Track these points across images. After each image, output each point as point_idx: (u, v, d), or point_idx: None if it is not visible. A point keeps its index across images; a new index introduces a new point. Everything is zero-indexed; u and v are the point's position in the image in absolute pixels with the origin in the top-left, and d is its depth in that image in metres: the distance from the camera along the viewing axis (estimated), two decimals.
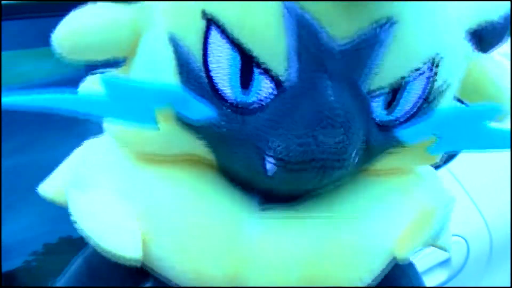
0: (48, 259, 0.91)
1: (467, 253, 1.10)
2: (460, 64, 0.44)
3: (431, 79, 0.42)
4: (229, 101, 0.40)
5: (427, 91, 0.43)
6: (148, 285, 0.48)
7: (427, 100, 0.43)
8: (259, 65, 0.39)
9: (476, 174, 1.11)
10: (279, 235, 0.44)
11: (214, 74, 0.39)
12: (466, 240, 1.09)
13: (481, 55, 0.45)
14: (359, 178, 0.47)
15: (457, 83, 0.45)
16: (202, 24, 0.39)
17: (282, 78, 0.39)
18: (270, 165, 0.41)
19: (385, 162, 0.46)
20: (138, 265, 0.43)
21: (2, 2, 0.79)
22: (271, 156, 0.40)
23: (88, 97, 0.41)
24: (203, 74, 0.39)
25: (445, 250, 0.54)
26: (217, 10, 0.38)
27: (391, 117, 0.43)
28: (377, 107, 0.42)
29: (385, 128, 0.43)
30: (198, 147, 0.43)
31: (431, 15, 0.41)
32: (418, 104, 0.43)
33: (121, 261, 0.42)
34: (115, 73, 0.44)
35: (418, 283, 0.54)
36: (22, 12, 0.84)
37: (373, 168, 0.47)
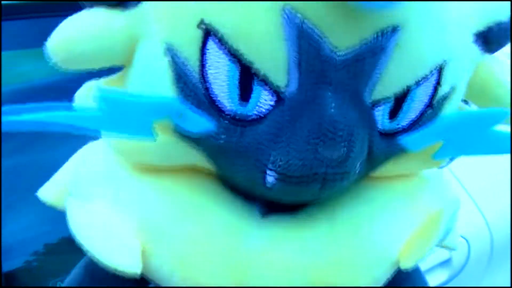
0: (48, 259, 0.91)
1: (468, 253, 1.10)
2: (467, 68, 0.43)
3: (437, 86, 0.41)
4: (227, 113, 0.39)
5: (432, 98, 0.41)
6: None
7: (432, 106, 0.42)
8: (258, 76, 0.37)
9: (477, 175, 1.11)
10: (280, 244, 0.44)
11: (212, 85, 0.38)
12: (467, 240, 1.09)
13: (488, 56, 0.44)
14: (362, 184, 0.46)
15: (463, 86, 0.44)
16: (199, 34, 0.37)
17: (282, 89, 0.38)
18: (270, 177, 0.40)
19: (389, 169, 0.45)
20: (137, 277, 0.42)
21: (2, 2, 0.79)
22: (271, 170, 0.39)
23: (83, 113, 0.40)
24: (201, 85, 0.38)
25: (451, 249, 0.53)
26: (214, 19, 0.37)
27: (395, 125, 0.42)
28: (381, 116, 0.41)
29: (389, 136, 0.42)
30: (197, 158, 0.43)
31: (437, 22, 0.40)
32: (423, 111, 0.42)
33: (121, 274, 0.42)
34: (109, 86, 0.43)
35: (423, 284, 0.53)
36: (22, 12, 0.84)
37: (376, 174, 0.46)
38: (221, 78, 0.38)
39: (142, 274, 0.43)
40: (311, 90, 0.38)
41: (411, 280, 0.51)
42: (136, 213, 0.43)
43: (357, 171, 0.41)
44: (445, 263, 1.07)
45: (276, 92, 0.38)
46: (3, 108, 0.37)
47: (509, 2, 0.43)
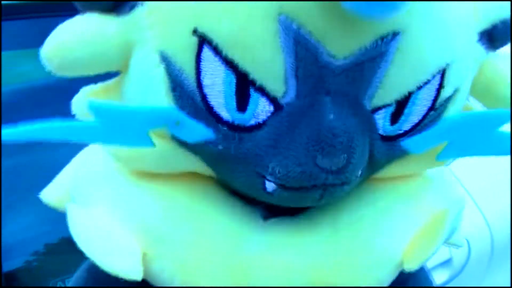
0: (49, 259, 0.91)
1: (469, 253, 1.10)
2: (471, 68, 0.43)
3: (440, 88, 0.40)
4: (224, 120, 0.38)
5: (435, 101, 0.41)
6: None
7: (435, 109, 0.41)
8: (255, 85, 0.37)
9: (477, 175, 1.11)
10: (282, 248, 0.43)
11: (208, 93, 0.37)
12: (467, 241, 1.09)
13: (493, 53, 0.44)
14: (364, 186, 0.46)
15: (467, 86, 0.43)
16: (193, 42, 0.37)
17: (279, 97, 0.37)
18: (270, 184, 0.40)
19: (392, 170, 0.45)
20: (139, 281, 0.42)
21: (2, 2, 0.79)
22: (270, 178, 0.39)
23: (79, 125, 0.39)
24: (198, 93, 0.38)
25: (457, 246, 0.53)
26: (208, 28, 0.36)
27: (396, 129, 0.41)
28: (382, 120, 0.40)
29: (391, 139, 0.41)
30: (196, 165, 0.42)
31: (440, 24, 0.39)
32: (425, 114, 0.41)
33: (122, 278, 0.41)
34: (100, 98, 0.43)
35: (429, 284, 0.53)
36: (22, 12, 0.84)
37: (379, 176, 0.46)
38: (218, 86, 0.37)
39: (143, 278, 0.43)
40: (309, 98, 0.37)
41: (415, 278, 0.51)
42: (136, 218, 0.43)
43: (358, 177, 0.41)
44: (446, 263, 1.07)
45: (273, 100, 0.37)
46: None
47: None
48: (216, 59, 0.36)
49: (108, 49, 0.39)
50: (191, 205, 0.44)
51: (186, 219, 0.43)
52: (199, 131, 0.39)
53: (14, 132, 0.36)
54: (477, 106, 0.47)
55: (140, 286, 0.46)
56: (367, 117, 0.39)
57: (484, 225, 1.12)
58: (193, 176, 0.44)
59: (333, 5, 0.34)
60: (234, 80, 0.37)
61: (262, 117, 0.38)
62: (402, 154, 0.43)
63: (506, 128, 0.42)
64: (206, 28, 0.36)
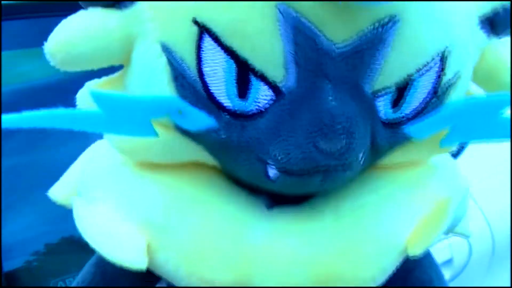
0: (49, 259, 0.91)
1: (469, 253, 1.10)
2: (473, 54, 0.43)
3: (440, 73, 0.41)
4: (226, 108, 0.39)
5: (436, 86, 0.41)
6: (160, 285, 0.48)
7: (437, 94, 0.42)
8: (255, 72, 0.37)
9: (478, 175, 1.11)
10: (286, 236, 0.44)
11: (209, 82, 0.38)
12: (468, 241, 1.09)
13: (495, 40, 0.44)
14: (368, 173, 0.46)
15: (469, 72, 0.44)
16: (194, 32, 0.37)
17: (280, 84, 0.38)
18: (272, 171, 0.40)
19: (396, 157, 0.45)
20: (144, 270, 0.42)
21: (2, 2, 0.79)
22: (273, 164, 0.39)
23: (83, 113, 0.40)
24: (199, 82, 0.38)
25: (465, 236, 0.52)
26: (208, 17, 0.37)
27: (398, 115, 0.41)
28: (383, 106, 0.40)
29: (393, 125, 0.42)
30: (199, 154, 0.43)
31: (438, 8, 0.39)
32: (427, 99, 0.41)
33: (127, 269, 0.42)
34: (102, 88, 0.43)
35: (435, 274, 0.52)
36: (22, 12, 0.84)
37: (383, 163, 0.46)
38: (218, 75, 0.38)
39: (150, 270, 0.43)
40: (310, 84, 0.38)
41: (422, 267, 0.51)
42: (140, 209, 0.43)
43: (360, 162, 0.41)
44: (447, 263, 1.07)
45: (274, 87, 0.38)
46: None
47: None
48: (216, 47, 0.37)
49: (111, 43, 0.39)
50: (195, 195, 0.44)
51: (190, 209, 0.43)
52: (201, 120, 0.39)
53: (17, 119, 0.37)
54: (479, 93, 0.46)
55: (146, 279, 0.46)
56: (367, 101, 0.39)
57: (485, 225, 1.12)
58: (197, 166, 0.45)
59: None
60: (235, 68, 0.37)
61: (263, 103, 0.39)
62: (404, 140, 0.43)
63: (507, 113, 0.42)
64: (206, 18, 0.37)
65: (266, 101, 0.38)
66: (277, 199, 0.45)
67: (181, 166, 0.45)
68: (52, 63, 0.39)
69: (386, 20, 0.37)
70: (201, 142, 0.41)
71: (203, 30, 0.37)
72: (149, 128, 0.40)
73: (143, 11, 0.39)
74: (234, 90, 0.38)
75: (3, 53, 0.81)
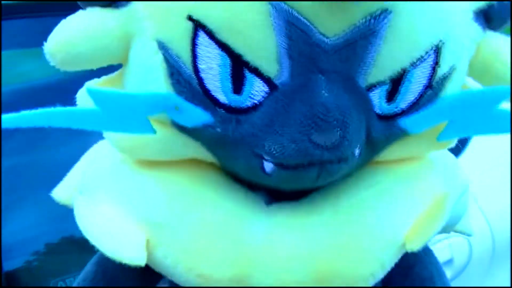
0: (49, 259, 0.91)
1: (470, 253, 1.10)
2: (468, 47, 0.43)
3: (435, 66, 0.41)
4: (222, 103, 0.39)
5: (431, 79, 0.41)
6: (162, 285, 0.48)
7: (432, 87, 0.42)
8: (249, 67, 0.38)
9: (478, 175, 1.11)
10: (284, 231, 0.44)
11: (205, 77, 0.39)
12: (468, 241, 1.09)
13: (490, 33, 0.44)
14: (367, 169, 0.46)
15: (465, 66, 0.44)
16: (188, 28, 0.38)
17: (274, 78, 0.38)
18: (268, 165, 0.40)
19: (394, 152, 0.45)
20: (143, 266, 0.42)
21: (2, 2, 0.79)
22: (268, 158, 0.40)
23: (80, 111, 0.41)
24: (194, 78, 0.39)
25: (467, 235, 0.52)
26: (202, 13, 0.38)
27: (393, 108, 0.42)
28: (378, 99, 0.41)
29: (388, 118, 0.42)
30: (197, 151, 0.43)
31: (432, 1, 0.40)
32: (422, 92, 0.42)
33: (127, 265, 0.42)
34: (100, 83, 0.44)
35: (436, 271, 0.52)
36: (22, 11, 0.84)
37: (381, 159, 0.46)
38: (213, 70, 0.38)
39: (151, 268, 0.44)
40: (303, 77, 0.38)
41: (422, 263, 0.51)
42: (140, 205, 0.44)
43: (356, 155, 0.41)
44: (447, 263, 1.07)
45: (268, 81, 0.38)
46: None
47: None
48: (211, 43, 0.38)
49: (110, 42, 0.40)
50: (194, 191, 0.44)
51: (189, 206, 0.44)
52: (198, 115, 0.40)
53: (16, 118, 0.37)
54: (476, 87, 0.46)
55: (147, 278, 0.47)
56: (362, 95, 0.40)
57: (485, 225, 1.12)
58: (196, 163, 0.45)
59: None
60: (229, 63, 0.38)
61: (257, 98, 0.39)
62: (401, 134, 0.43)
63: (505, 106, 0.42)
64: (200, 14, 0.37)
65: (260, 96, 0.39)
66: (276, 195, 0.45)
67: (180, 163, 0.45)
68: (52, 63, 0.40)
69: (378, 12, 0.37)
70: (198, 138, 0.42)
71: (198, 26, 0.38)
72: (146, 125, 0.40)
73: (139, 9, 0.39)
74: (229, 86, 0.39)
75: (3, 52, 0.81)
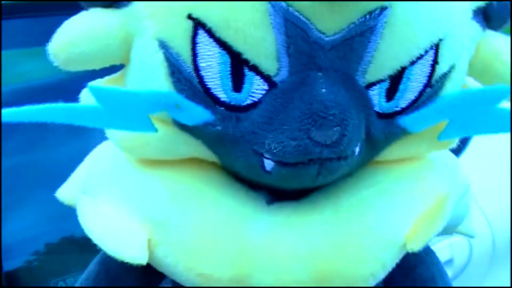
0: (49, 258, 0.91)
1: (470, 253, 1.10)
2: (467, 46, 0.43)
3: (434, 65, 0.41)
4: (222, 101, 0.39)
5: (430, 77, 0.41)
6: (165, 284, 0.49)
7: (431, 85, 0.42)
8: (248, 64, 0.38)
9: (479, 175, 1.11)
10: (286, 232, 0.44)
11: (205, 76, 0.39)
12: (468, 241, 1.08)
13: (490, 32, 0.44)
14: (367, 168, 0.46)
15: (464, 65, 0.44)
16: (188, 27, 0.38)
17: (273, 75, 0.39)
18: (268, 162, 0.40)
19: (394, 152, 0.45)
20: (144, 265, 0.43)
21: (2, 2, 0.79)
22: (268, 156, 0.40)
23: (82, 107, 0.41)
24: (194, 76, 0.39)
25: (469, 236, 0.52)
26: (202, 12, 0.38)
27: (393, 106, 0.42)
28: (377, 97, 0.41)
29: (388, 117, 0.42)
30: (199, 150, 0.43)
31: (430, 0, 0.40)
32: (421, 91, 0.42)
33: (129, 264, 0.42)
34: (103, 82, 0.44)
35: (438, 271, 0.52)
36: (22, 11, 0.84)
37: (382, 158, 0.46)
38: (213, 68, 0.39)
39: (153, 268, 0.44)
40: (302, 74, 0.38)
41: (424, 264, 0.51)
42: (142, 204, 0.44)
43: (356, 153, 0.41)
44: (447, 263, 1.07)
45: (268, 78, 0.39)
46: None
47: None
48: (211, 41, 0.38)
49: (112, 42, 0.40)
50: (196, 191, 0.44)
51: (190, 205, 0.44)
52: (198, 113, 0.40)
53: (17, 113, 0.37)
54: (476, 86, 0.46)
55: (150, 278, 0.47)
56: (361, 92, 0.40)
57: (486, 225, 1.12)
58: (197, 163, 0.45)
59: None
60: (229, 61, 0.38)
61: (257, 95, 0.39)
62: (400, 132, 0.43)
63: (505, 105, 0.42)
64: (200, 13, 0.38)
65: (260, 94, 0.39)
66: (277, 195, 0.45)
67: (182, 162, 0.45)
68: (55, 63, 0.40)
69: (375, 10, 0.37)
70: (199, 136, 0.42)
71: (198, 25, 0.38)
72: (148, 123, 0.40)
73: (139, 9, 0.40)
74: (229, 83, 0.39)
75: (3, 52, 0.81)
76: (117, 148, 0.46)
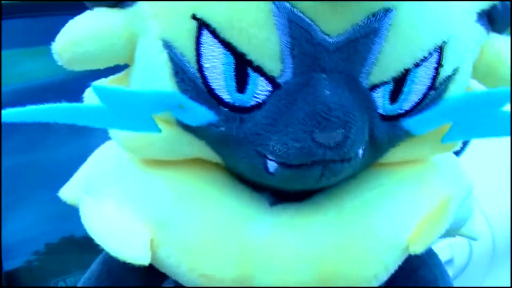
0: (49, 258, 0.91)
1: (470, 253, 1.10)
2: (471, 49, 0.43)
3: (438, 67, 0.41)
4: (225, 102, 0.39)
5: (434, 79, 0.41)
6: (167, 285, 0.49)
7: (435, 88, 0.42)
8: (253, 66, 0.38)
9: (479, 175, 1.11)
10: (289, 233, 0.44)
11: (209, 76, 0.39)
12: (468, 241, 1.09)
13: (494, 35, 0.44)
14: (371, 170, 0.46)
15: (468, 67, 0.44)
16: (193, 27, 0.38)
17: (277, 77, 0.38)
18: (271, 164, 0.40)
19: (398, 154, 0.45)
20: (146, 266, 0.42)
21: (2, 1, 0.79)
22: (271, 157, 0.40)
23: (85, 107, 0.41)
24: (198, 77, 0.39)
25: (472, 238, 0.52)
26: (206, 12, 0.38)
27: (396, 108, 0.42)
28: (381, 99, 0.41)
29: (392, 119, 0.42)
30: (202, 150, 0.43)
31: (435, 2, 0.40)
32: (425, 93, 0.41)
33: (132, 264, 0.42)
34: (107, 82, 0.44)
35: (440, 273, 0.52)
36: (22, 11, 0.84)
37: (385, 161, 0.46)
38: (217, 69, 0.39)
39: (156, 268, 0.44)
40: (306, 75, 0.38)
41: (427, 266, 0.51)
42: (144, 205, 0.44)
43: (359, 156, 0.41)
44: (447, 263, 1.07)
45: (271, 80, 0.39)
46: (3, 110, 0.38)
47: None
48: (215, 42, 0.38)
49: (116, 42, 0.40)
50: (199, 191, 0.44)
51: (193, 206, 0.44)
52: (202, 114, 0.40)
53: (20, 113, 0.37)
54: (480, 89, 0.46)
55: (152, 278, 0.47)
56: (364, 94, 0.40)
57: (486, 225, 1.12)
58: (201, 163, 0.45)
59: None
60: (233, 62, 0.38)
61: (261, 97, 0.39)
62: (404, 135, 0.43)
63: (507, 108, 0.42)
64: (204, 13, 0.38)
65: (264, 95, 0.39)
66: (280, 196, 0.45)
67: (185, 163, 0.45)
68: (59, 63, 0.40)
69: (380, 11, 0.37)
70: (203, 137, 0.42)
71: (202, 25, 0.38)
72: (151, 123, 0.40)
73: (144, 9, 0.40)
74: (232, 84, 0.39)
75: (3, 52, 0.81)
76: (120, 148, 0.46)
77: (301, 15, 0.37)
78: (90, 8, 0.41)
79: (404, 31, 0.39)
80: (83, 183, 0.49)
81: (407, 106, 0.42)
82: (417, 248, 0.43)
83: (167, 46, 0.39)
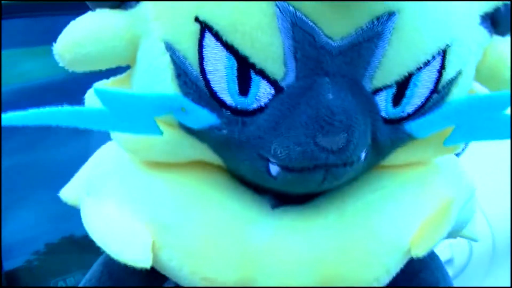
0: (49, 258, 0.91)
1: (470, 253, 1.10)
2: (474, 51, 0.43)
3: (441, 70, 0.41)
4: (228, 105, 0.39)
5: (437, 83, 0.41)
6: (167, 285, 0.49)
7: (438, 91, 0.41)
8: (255, 69, 0.38)
9: (479, 175, 1.11)
10: (290, 235, 0.44)
11: (211, 79, 0.39)
12: (468, 241, 1.08)
13: (498, 38, 0.44)
14: (373, 173, 0.46)
15: (471, 70, 0.43)
16: (195, 30, 0.38)
17: (280, 80, 0.38)
18: (273, 167, 0.40)
19: (400, 157, 0.45)
20: (148, 269, 0.42)
21: (2, 1, 0.79)
22: (273, 161, 0.40)
23: (87, 110, 0.41)
24: (201, 79, 0.39)
25: (473, 240, 0.52)
26: (209, 15, 0.37)
27: (399, 112, 0.41)
28: (384, 102, 0.41)
29: (394, 122, 0.42)
30: (204, 153, 0.43)
31: (437, 5, 0.39)
32: (428, 96, 0.41)
33: (133, 267, 0.42)
34: (109, 84, 0.44)
35: (442, 276, 0.52)
36: (22, 11, 0.84)
37: (387, 163, 0.46)
38: (220, 72, 0.38)
39: (156, 272, 0.44)
40: (308, 78, 0.38)
41: (428, 269, 0.50)
42: (146, 207, 0.44)
43: (362, 159, 0.41)
44: (447, 263, 1.07)
45: (274, 83, 0.38)
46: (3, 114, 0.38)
47: None
48: (218, 45, 0.38)
49: (119, 43, 0.40)
50: (201, 194, 0.44)
51: (195, 208, 0.44)
52: (204, 117, 0.40)
53: (20, 116, 0.37)
54: (483, 92, 0.46)
55: (153, 279, 0.47)
56: (367, 98, 0.40)
57: (486, 225, 1.12)
58: (203, 165, 0.45)
59: None
60: (235, 65, 0.38)
61: (263, 100, 0.39)
62: (407, 138, 0.43)
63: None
64: (207, 16, 0.37)
65: (266, 98, 0.39)
66: (282, 199, 0.45)
67: (187, 165, 0.45)
68: (61, 64, 0.40)
69: (383, 15, 0.37)
70: (205, 140, 0.42)
71: (205, 28, 0.38)
72: (153, 126, 0.40)
73: (147, 10, 0.40)
74: (235, 87, 0.39)
75: (3, 52, 0.81)
76: (121, 150, 0.45)
77: (304, 18, 0.37)
78: (92, 9, 0.41)
79: (408, 34, 0.38)
80: (84, 184, 0.48)
81: (409, 109, 0.41)
82: (419, 251, 0.43)
83: (170, 48, 0.39)
